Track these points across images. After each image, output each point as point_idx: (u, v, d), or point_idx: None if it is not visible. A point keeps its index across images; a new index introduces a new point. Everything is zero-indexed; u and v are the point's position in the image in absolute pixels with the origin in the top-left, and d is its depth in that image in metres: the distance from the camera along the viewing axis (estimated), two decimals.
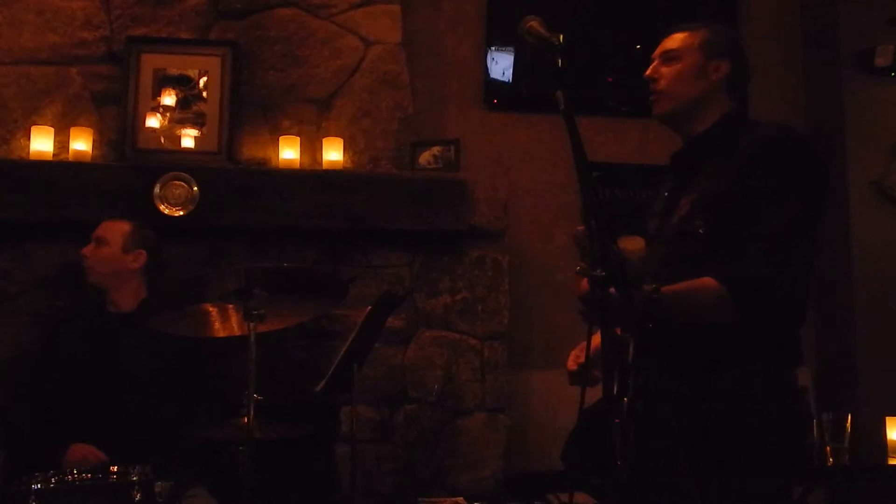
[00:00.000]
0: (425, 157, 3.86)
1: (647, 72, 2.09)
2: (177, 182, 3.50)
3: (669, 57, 2.06)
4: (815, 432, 3.24)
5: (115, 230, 3.13)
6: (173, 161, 3.58)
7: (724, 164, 1.95)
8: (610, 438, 1.65)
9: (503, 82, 4.31)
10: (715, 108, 2.05)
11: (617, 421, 1.64)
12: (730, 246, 1.86)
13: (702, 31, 2.06)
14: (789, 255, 1.86)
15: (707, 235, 1.90)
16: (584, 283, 1.78)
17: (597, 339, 2.08)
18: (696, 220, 1.92)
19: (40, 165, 3.50)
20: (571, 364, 2.07)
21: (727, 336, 1.87)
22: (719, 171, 1.95)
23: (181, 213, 3.49)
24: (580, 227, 1.69)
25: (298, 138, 3.76)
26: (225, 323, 2.55)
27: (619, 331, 1.70)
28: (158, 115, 3.66)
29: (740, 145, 1.95)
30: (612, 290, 1.60)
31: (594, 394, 1.76)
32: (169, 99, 3.68)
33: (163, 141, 3.65)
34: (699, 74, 2.03)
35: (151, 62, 3.72)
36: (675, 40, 2.07)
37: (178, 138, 3.66)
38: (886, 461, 3.25)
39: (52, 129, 3.60)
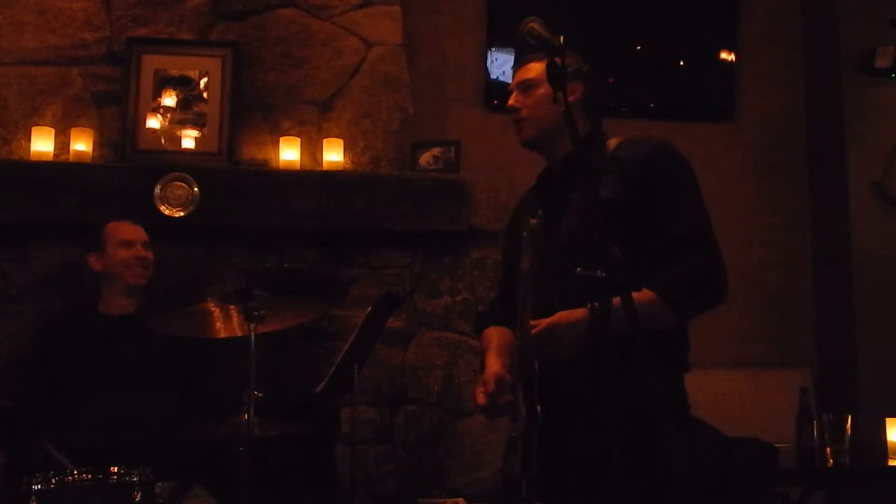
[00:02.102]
0: (425, 158, 3.86)
1: (509, 102, 2.20)
2: (177, 183, 3.50)
3: (527, 86, 2.17)
4: (815, 433, 3.24)
5: (145, 235, 3.13)
6: (174, 162, 3.58)
7: (601, 178, 2.04)
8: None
9: (503, 83, 4.29)
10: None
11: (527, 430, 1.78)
12: (644, 252, 1.96)
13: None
14: (717, 250, 2.03)
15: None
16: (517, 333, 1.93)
17: (495, 366, 2.10)
18: (586, 232, 1.97)
19: (41, 166, 3.50)
20: (481, 399, 2.06)
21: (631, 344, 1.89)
22: (598, 184, 2.03)
23: (181, 213, 3.49)
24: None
25: (299, 139, 3.76)
26: (225, 324, 2.55)
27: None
28: (159, 115, 3.66)
29: (618, 159, 2.08)
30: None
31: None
32: (169, 100, 3.68)
33: (163, 142, 3.65)
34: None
35: (152, 63, 3.72)
36: (531, 70, 2.17)
37: (179, 139, 3.67)
38: (886, 462, 3.25)
39: (52, 130, 3.61)
